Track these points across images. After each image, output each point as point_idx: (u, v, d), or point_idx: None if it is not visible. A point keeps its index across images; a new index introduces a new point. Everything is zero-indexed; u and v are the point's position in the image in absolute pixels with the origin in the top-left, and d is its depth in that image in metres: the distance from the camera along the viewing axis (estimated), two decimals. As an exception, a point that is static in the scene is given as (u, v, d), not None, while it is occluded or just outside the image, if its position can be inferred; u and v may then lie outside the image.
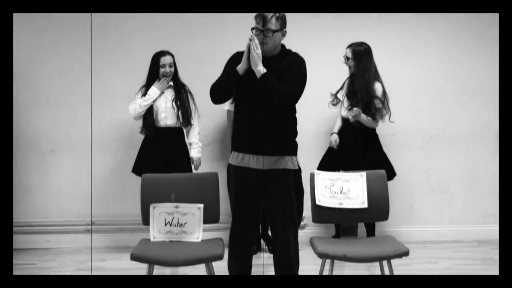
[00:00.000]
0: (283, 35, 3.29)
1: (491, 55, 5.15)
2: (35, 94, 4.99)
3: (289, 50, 3.38)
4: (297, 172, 3.41)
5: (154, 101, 4.54)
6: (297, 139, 3.43)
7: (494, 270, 4.29)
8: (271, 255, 4.66)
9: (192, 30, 5.03)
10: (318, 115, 5.01)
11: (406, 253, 3.30)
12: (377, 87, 4.55)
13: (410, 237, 5.10)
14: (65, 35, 4.98)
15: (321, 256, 3.29)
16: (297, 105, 3.35)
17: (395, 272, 3.47)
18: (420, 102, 5.20)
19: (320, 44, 5.07)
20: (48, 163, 5.03)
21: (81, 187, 5.03)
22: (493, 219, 5.20)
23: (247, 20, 3.46)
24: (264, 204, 3.40)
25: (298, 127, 3.45)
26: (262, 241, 4.85)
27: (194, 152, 4.64)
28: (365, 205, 3.55)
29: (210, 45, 4.99)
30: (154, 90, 4.53)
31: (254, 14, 3.25)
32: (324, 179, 3.58)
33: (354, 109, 4.42)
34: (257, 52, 3.17)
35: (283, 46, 3.36)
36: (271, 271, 3.78)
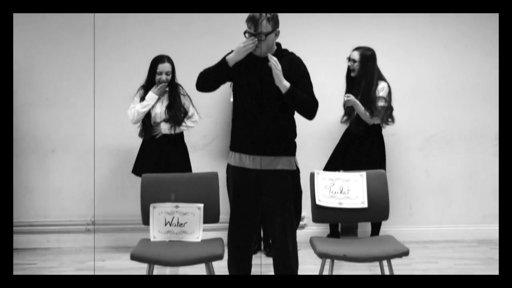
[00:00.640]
0: (277, 35, 3.28)
1: (491, 55, 5.15)
2: (35, 94, 4.99)
3: (285, 50, 3.37)
4: (295, 172, 3.41)
5: (152, 107, 4.52)
6: (296, 140, 3.43)
7: (494, 270, 4.29)
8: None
9: (192, 30, 5.03)
10: (318, 115, 5.00)
11: (406, 253, 3.30)
12: (383, 86, 4.58)
13: (410, 237, 5.10)
14: (65, 35, 4.98)
15: (321, 256, 3.29)
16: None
17: (395, 272, 3.47)
18: (420, 102, 5.20)
19: (320, 44, 5.06)
20: (48, 163, 5.03)
21: (81, 187, 5.03)
22: (493, 219, 5.20)
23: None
24: (262, 204, 3.40)
25: (298, 127, 3.45)
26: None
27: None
28: (365, 205, 3.55)
29: (210, 45, 4.99)
30: (151, 96, 4.48)
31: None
32: (324, 179, 3.58)
33: (347, 95, 4.47)
34: (278, 69, 3.17)
35: (278, 45, 3.35)
36: (271, 271, 3.78)
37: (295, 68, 3.29)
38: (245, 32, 3.23)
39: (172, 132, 4.51)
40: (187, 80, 4.78)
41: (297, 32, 4.95)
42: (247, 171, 3.32)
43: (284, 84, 3.20)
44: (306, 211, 3.78)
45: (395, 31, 5.15)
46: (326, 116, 4.99)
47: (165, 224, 3.45)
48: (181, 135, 4.63)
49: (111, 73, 5.00)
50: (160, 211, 3.46)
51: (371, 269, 4.32)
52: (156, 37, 4.98)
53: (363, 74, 4.55)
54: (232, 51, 3.30)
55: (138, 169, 4.55)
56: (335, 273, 3.67)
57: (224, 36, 4.95)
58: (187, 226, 3.46)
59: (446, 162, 5.23)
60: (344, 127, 4.74)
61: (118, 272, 4.31)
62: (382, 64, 4.90)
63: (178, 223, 3.45)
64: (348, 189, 3.57)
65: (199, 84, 3.37)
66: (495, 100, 5.09)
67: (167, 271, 4.30)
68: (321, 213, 3.56)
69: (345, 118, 4.69)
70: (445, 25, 5.16)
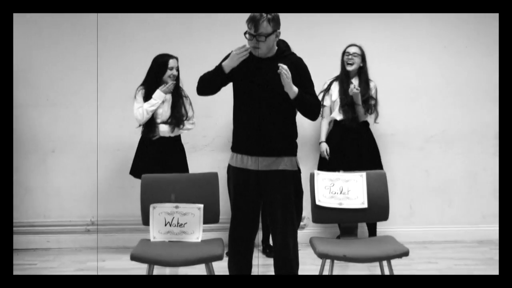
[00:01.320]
0: (277, 36, 3.26)
1: (491, 55, 5.14)
2: (35, 94, 4.99)
3: (285, 50, 3.37)
4: (297, 173, 3.41)
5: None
6: (297, 140, 3.43)
7: (494, 270, 4.29)
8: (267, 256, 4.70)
9: (193, 31, 5.03)
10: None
11: (406, 253, 3.30)
12: (373, 86, 4.73)
13: (410, 237, 5.10)
14: (65, 35, 4.98)
15: (321, 256, 3.29)
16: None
17: (395, 272, 3.47)
18: (420, 102, 5.20)
19: (320, 44, 5.06)
20: (49, 163, 5.03)
21: (81, 187, 5.03)
22: (493, 219, 5.20)
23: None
24: (264, 205, 3.40)
25: (298, 128, 3.45)
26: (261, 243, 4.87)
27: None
28: (365, 205, 3.55)
29: (211, 45, 4.99)
30: (159, 94, 4.43)
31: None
32: (324, 179, 3.58)
33: (356, 87, 4.53)
34: (289, 77, 3.17)
35: (279, 45, 3.35)
36: (271, 271, 3.78)
37: (298, 69, 3.28)
38: (245, 33, 3.22)
39: (171, 134, 4.51)
40: (187, 80, 4.79)
41: (297, 32, 4.95)
42: (248, 171, 3.32)
43: (294, 90, 3.20)
44: (306, 211, 3.77)
45: (395, 31, 5.14)
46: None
47: (165, 225, 3.45)
48: (178, 135, 4.62)
49: (111, 73, 5.00)
50: (160, 211, 3.46)
51: (371, 269, 4.32)
52: (156, 37, 4.98)
53: (360, 68, 4.69)
54: (229, 54, 3.31)
55: (136, 171, 4.52)
56: (335, 273, 3.67)
57: (224, 36, 4.95)
58: (187, 226, 3.46)
59: (446, 162, 5.23)
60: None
61: (118, 272, 4.31)
62: (383, 64, 4.91)
63: (178, 223, 3.45)
64: (348, 190, 3.57)
65: (199, 89, 3.42)
66: (495, 100, 5.09)
67: (167, 271, 4.30)
68: (321, 214, 3.56)
69: (342, 110, 4.70)
70: (445, 25, 5.16)
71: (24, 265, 4.54)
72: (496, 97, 5.09)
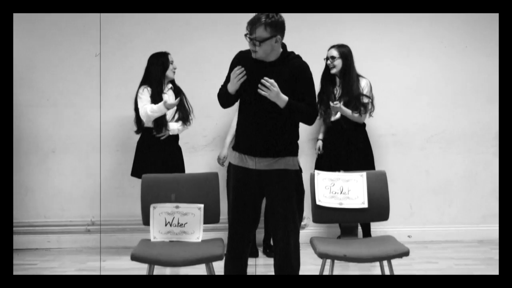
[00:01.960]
0: (277, 41, 3.20)
1: (491, 55, 5.15)
2: (36, 94, 4.99)
3: (291, 53, 3.34)
4: (298, 172, 3.41)
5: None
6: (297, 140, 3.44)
7: (494, 270, 4.29)
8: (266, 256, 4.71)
9: (192, 30, 5.03)
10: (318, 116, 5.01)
11: (406, 253, 3.30)
12: (366, 83, 4.67)
13: (410, 237, 5.10)
14: (65, 35, 4.98)
15: (322, 256, 3.29)
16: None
17: (395, 272, 3.47)
18: (420, 102, 5.20)
19: (320, 44, 5.06)
20: (49, 163, 5.04)
21: (81, 187, 5.04)
22: (493, 219, 5.20)
23: (247, 19, 3.45)
24: (266, 204, 3.40)
25: (299, 128, 3.45)
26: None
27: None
28: (365, 205, 3.55)
29: (210, 45, 4.99)
30: (161, 109, 4.36)
31: (253, 14, 3.23)
32: (324, 179, 3.59)
33: (335, 102, 4.52)
34: (274, 92, 3.15)
35: (284, 48, 3.33)
36: (271, 271, 3.78)
37: (299, 75, 3.26)
38: (245, 35, 3.22)
39: (180, 132, 4.55)
40: (187, 80, 4.80)
41: (297, 32, 4.95)
42: (249, 170, 3.32)
43: (282, 100, 3.19)
44: (306, 211, 3.78)
45: (395, 31, 5.15)
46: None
47: (166, 225, 3.45)
48: (177, 134, 4.63)
49: (111, 73, 5.00)
50: (160, 211, 3.46)
51: (371, 269, 4.32)
52: (156, 37, 4.98)
53: (346, 70, 4.62)
54: (239, 53, 3.33)
55: (138, 172, 4.52)
56: (335, 273, 3.66)
57: (224, 36, 4.96)
58: (188, 226, 3.46)
59: (446, 162, 5.23)
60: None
61: (118, 272, 4.31)
62: (383, 64, 4.91)
63: (178, 223, 3.45)
64: (348, 190, 3.57)
65: (221, 104, 3.47)
66: (495, 100, 5.09)
67: (167, 271, 4.30)
68: (321, 214, 3.56)
69: (323, 116, 4.72)
70: (445, 25, 5.16)
71: (24, 265, 4.54)
72: (496, 97, 5.09)
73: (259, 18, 3.14)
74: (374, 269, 4.28)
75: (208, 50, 4.99)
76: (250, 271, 3.56)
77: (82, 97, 5.00)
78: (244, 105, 3.34)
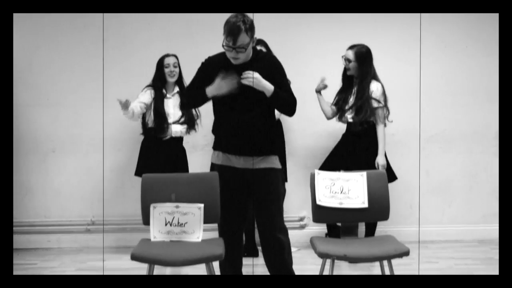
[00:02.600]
0: (253, 42, 3.33)
1: (491, 55, 5.15)
2: (36, 94, 4.99)
3: (260, 51, 3.42)
4: (281, 171, 3.48)
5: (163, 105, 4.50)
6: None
7: (494, 270, 4.29)
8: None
9: (194, 31, 5.03)
10: (318, 115, 5.00)
11: (406, 253, 3.30)
12: (377, 87, 4.59)
13: (410, 237, 5.10)
14: (65, 35, 4.98)
15: (322, 256, 3.29)
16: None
17: (396, 272, 3.47)
18: (420, 102, 5.19)
19: (320, 44, 5.06)
20: (49, 163, 5.03)
21: (81, 187, 5.03)
22: (493, 219, 5.19)
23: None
24: (253, 204, 3.43)
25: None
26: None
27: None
28: (366, 205, 3.55)
29: (212, 45, 4.97)
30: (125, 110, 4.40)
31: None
32: (324, 178, 3.59)
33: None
34: (260, 82, 3.22)
35: (254, 48, 3.38)
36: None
37: (275, 68, 3.35)
38: (223, 45, 3.25)
39: (184, 135, 4.55)
40: (187, 79, 4.79)
41: (297, 32, 4.95)
42: (236, 169, 3.35)
43: (268, 89, 3.25)
44: (307, 211, 3.78)
45: (395, 30, 5.15)
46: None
47: (166, 224, 3.45)
48: (181, 137, 4.64)
49: (111, 73, 4.99)
50: (160, 211, 3.46)
51: (371, 269, 4.32)
52: (156, 37, 4.98)
53: (361, 74, 4.57)
54: (208, 58, 3.44)
55: (141, 172, 4.51)
56: (335, 273, 3.66)
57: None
58: (188, 226, 3.46)
59: (446, 162, 5.23)
60: (344, 127, 4.74)
61: (118, 272, 4.31)
62: (382, 64, 4.90)
63: (178, 223, 3.45)
64: (348, 189, 3.57)
65: (186, 105, 3.65)
66: (495, 100, 5.08)
67: (167, 271, 4.30)
68: (321, 213, 3.56)
69: (338, 115, 4.69)
70: (445, 25, 5.16)
71: (24, 265, 4.54)
72: (496, 97, 5.08)
73: (239, 27, 3.21)
74: (374, 269, 4.28)
75: (208, 50, 4.98)
76: (250, 271, 3.57)
77: (82, 96, 5.00)
78: (221, 105, 3.35)
